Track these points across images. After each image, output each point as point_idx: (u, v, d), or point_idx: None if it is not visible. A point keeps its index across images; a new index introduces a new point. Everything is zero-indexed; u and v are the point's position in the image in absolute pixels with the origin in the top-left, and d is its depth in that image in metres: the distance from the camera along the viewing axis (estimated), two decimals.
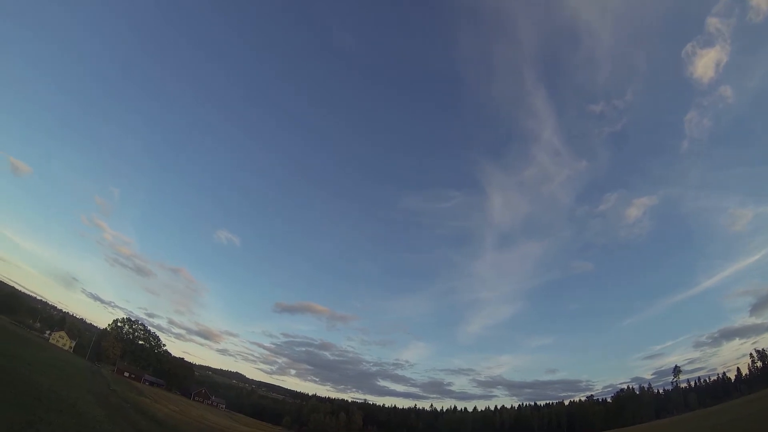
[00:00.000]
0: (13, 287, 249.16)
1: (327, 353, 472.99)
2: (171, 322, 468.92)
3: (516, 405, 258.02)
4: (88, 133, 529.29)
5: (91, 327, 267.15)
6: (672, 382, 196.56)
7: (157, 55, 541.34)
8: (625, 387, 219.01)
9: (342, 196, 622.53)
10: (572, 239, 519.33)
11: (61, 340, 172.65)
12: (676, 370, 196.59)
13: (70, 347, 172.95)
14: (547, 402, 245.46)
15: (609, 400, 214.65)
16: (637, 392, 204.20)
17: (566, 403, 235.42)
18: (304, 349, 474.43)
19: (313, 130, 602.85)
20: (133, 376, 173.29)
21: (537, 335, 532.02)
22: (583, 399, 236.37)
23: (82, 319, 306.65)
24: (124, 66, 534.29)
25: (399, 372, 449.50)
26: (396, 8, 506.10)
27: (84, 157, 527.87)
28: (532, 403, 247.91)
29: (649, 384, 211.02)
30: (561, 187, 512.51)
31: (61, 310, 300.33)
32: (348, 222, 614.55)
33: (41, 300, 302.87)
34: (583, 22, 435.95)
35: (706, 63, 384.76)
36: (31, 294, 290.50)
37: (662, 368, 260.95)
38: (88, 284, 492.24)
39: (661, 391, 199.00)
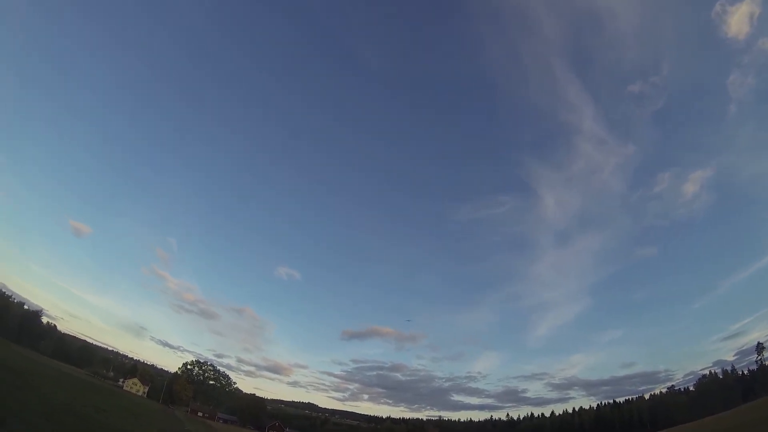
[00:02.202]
0: (84, 341, 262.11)
1: (398, 374, 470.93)
2: (240, 360, 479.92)
3: (594, 405, 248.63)
4: (141, 188, 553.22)
5: (162, 372, 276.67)
6: (756, 361, 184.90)
7: (198, 98, 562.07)
8: (707, 373, 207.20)
9: (395, 216, 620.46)
10: (630, 227, 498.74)
11: (134, 386, 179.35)
12: (759, 348, 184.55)
13: (144, 392, 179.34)
14: (627, 398, 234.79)
15: (691, 388, 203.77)
16: (721, 376, 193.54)
17: (647, 397, 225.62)
18: (374, 372, 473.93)
19: (360, 155, 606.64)
20: (206, 415, 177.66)
21: (607, 330, 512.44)
22: (663, 391, 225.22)
23: (153, 365, 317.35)
24: (168, 117, 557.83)
25: (472, 384, 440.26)
26: (417, 24, 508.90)
27: (139, 212, 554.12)
28: (611, 401, 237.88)
29: (732, 366, 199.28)
30: (611, 175, 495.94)
31: (132, 358, 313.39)
32: (405, 241, 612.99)
33: (113, 350, 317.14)
34: (602, 3, 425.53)
35: (739, 19, 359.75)
36: (103, 346, 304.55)
37: (744, 347, 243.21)
38: (156, 332, 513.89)
39: (746, 372, 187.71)
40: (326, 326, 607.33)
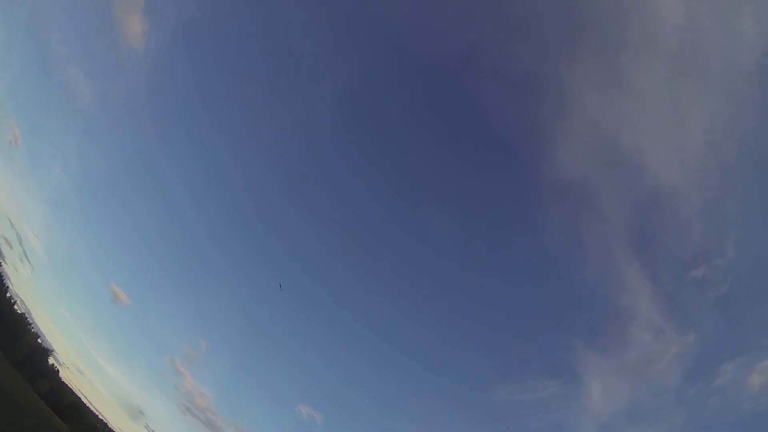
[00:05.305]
0: (79, 398, 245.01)
1: None
2: None
3: None
4: (190, 284, 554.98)
5: None
6: None
7: (256, 213, 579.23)
8: None
9: (431, 390, 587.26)
10: (686, 423, 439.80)
11: None
12: None
13: None
14: None
15: None
16: None
17: None
18: None
19: (410, 322, 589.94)
20: None
21: None
22: None
23: None
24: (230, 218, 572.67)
25: None
26: (477, 196, 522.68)
27: (180, 305, 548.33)
28: None
29: None
30: (668, 367, 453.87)
31: None
32: (438, 416, 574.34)
33: (103, 420, 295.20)
34: (666, 185, 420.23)
35: None
36: (95, 411, 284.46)
37: None
38: (153, 421, 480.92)
39: None
40: None
